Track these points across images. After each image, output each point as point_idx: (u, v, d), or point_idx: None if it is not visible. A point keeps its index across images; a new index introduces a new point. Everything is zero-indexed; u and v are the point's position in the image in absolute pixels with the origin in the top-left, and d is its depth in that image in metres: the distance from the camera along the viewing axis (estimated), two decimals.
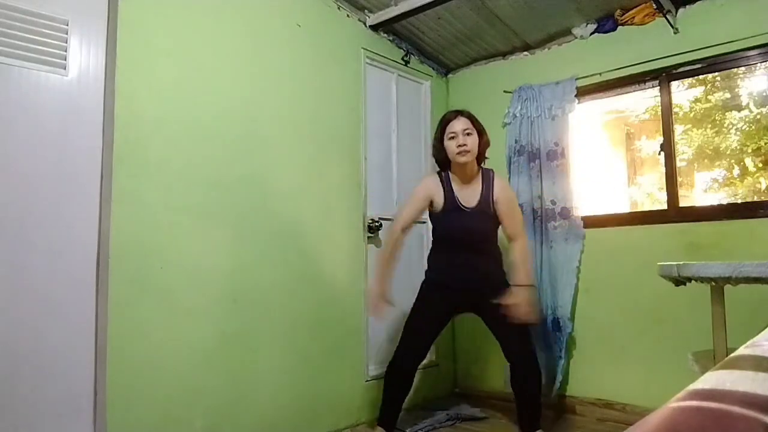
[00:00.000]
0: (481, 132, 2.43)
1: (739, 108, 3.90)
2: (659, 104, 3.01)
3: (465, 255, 2.43)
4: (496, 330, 2.44)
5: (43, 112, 1.88)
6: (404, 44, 3.37)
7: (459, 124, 2.39)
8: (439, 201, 2.44)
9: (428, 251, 2.64)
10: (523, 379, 2.40)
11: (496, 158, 3.35)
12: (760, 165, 3.90)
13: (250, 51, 2.51)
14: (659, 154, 2.97)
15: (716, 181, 4.11)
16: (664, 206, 2.95)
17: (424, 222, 2.91)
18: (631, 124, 4.23)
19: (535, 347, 2.97)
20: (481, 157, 2.47)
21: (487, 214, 2.43)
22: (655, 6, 2.77)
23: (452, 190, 2.44)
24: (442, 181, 2.46)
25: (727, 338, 1.82)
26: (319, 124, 2.81)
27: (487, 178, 2.47)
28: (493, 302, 2.35)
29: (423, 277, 2.59)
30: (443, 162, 2.48)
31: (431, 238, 2.62)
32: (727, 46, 2.68)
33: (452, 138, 2.38)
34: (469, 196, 2.43)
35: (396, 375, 2.48)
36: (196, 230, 2.22)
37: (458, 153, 2.36)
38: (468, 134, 2.38)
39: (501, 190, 2.45)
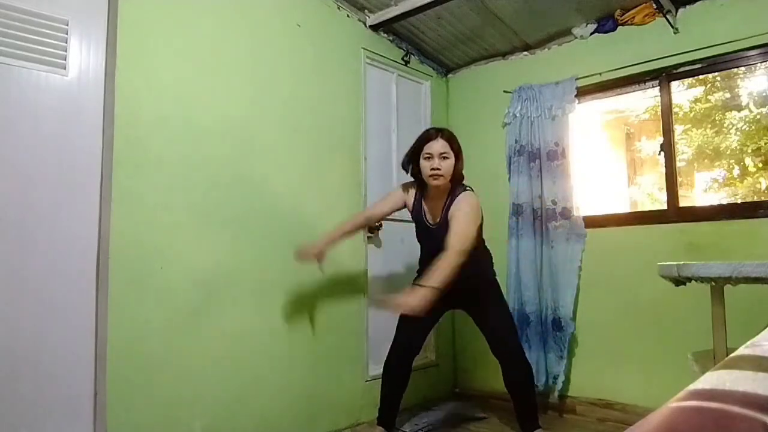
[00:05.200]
0: (458, 155, 2.34)
1: (739, 108, 3.90)
2: (659, 104, 3.01)
3: (434, 256, 2.35)
4: (483, 327, 2.48)
5: (43, 112, 1.88)
6: (404, 44, 3.37)
7: (437, 146, 2.30)
8: (410, 208, 2.49)
9: None
10: (514, 375, 2.43)
11: (496, 158, 3.36)
12: (760, 165, 3.90)
13: (250, 51, 2.51)
14: (659, 154, 2.96)
15: (716, 181, 4.10)
16: (664, 206, 2.95)
17: None
18: (631, 124, 4.22)
19: (527, 344, 3.02)
20: (455, 179, 2.36)
21: (445, 229, 2.34)
22: (655, 6, 2.77)
23: (421, 203, 2.42)
24: (416, 191, 2.45)
25: (727, 338, 1.82)
26: (319, 124, 2.80)
27: (453, 194, 2.36)
28: (479, 298, 2.40)
29: None
30: (417, 178, 2.42)
31: None
32: (727, 46, 2.68)
33: (428, 158, 2.31)
34: (435, 210, 2.40)
35: (392, 373, 2.50)
36: (196, 230, 2.22)
37: (431, 176, 2.30)
38: (445, 158, 2.29)
39: (456, 205, 2.31)
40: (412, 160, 2.40)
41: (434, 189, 2.38)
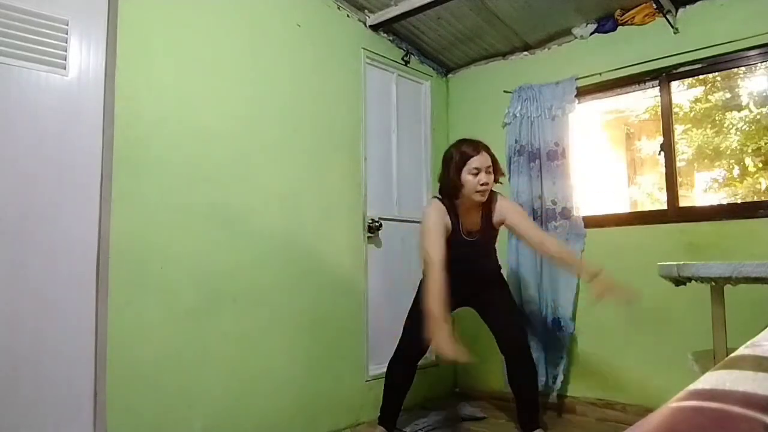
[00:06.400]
0: (497, 168, 2.37)
1: (739, 108, 3.90)
2: (659, 104, 3.01)
3: (466, 269, 2.42)
4: (491, 323, 2.49)
5: (43, 112, 1.88)
6: (404, 44, 3.37)
7: (483, 160, 2.29)
8: (449, 228, 2.39)
9: None
10: (519, 374, 2.43)
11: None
12: (760, 165, 3.90)
13: (250, 51, 2.50)
14: (659, 154, 2.96)
15: (716, 181, 4.11)
16: (664, 206, 2.95)
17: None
18: (631, 124, 4.23)
19: (530, 344, 3.03)
20: None
21: (487, 237, 2.43)
22: (655, 6, 2.77)
23: (458, 221, 2.39)
24: (448, 209, 2.38)
25: (727, 338, 1.82)
26: (319, 124, 2.80)
27: (488, 203, 2.41)
28: (491, 296, 2.41)
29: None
30: (452, 192, 2.36)
31: None
32: (727, 46, 2.68)
33: (475, 174, 2.28)
34: (471, 224, 2.41)
35: (396, 373, 2.50)
36: (196, 230, 2.22)
37: (479, 191, 2.29)
38: (489, 172, 2.31)
39: (505, 210, 2.40)
40: (456, 179, 2.31)
41: (471, 203, 2.35)
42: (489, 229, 2.44)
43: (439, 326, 2.02)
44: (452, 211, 2.39)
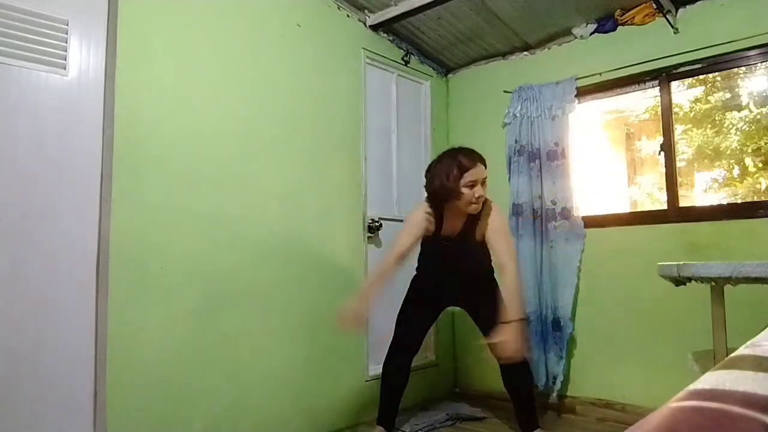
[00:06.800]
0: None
1: (739, 108, 3.90)
2: (659, 104, 3.01)
3: (451, 267, 2.45)
4: (481, 326, 2.49)
5: (43, 112, 1.88)
6: (404, 44, 3.37)
7: (478, 173, 2.27)
8: (431, 229, 2.40)
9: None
10: (514, 377, 2.44)
11: (496, 158, 3.35)
12: (760, 165, 3.89)
13: (250, 51, 2.51)
14: (659, 154, 2.96)
15: (716, 181, 4.10)
16: (664, 206, 2.95)
17: None
18: (631, 124, 4.22)
19: (530, 345, 3.04)
20: None
21: (466, 240, 2.40)
22: (655, 6, 2.77)
23: (441, 223, 2.39)
24: (435, 214, 2.38)
25: (727, 338, 1.82)
26: (319, 124, 2.81)
27: (480, 212, 2.37)
28: (481, 302, 2.43)
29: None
30: (445, 200, 2.33)
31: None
32: (727, 46, 2.68)
33: (471, 186, 2.26)
34: (453, 227, 2.40)
35: (391, 373, 2.51)
36: (196, 230, 2.23)
37: (474, 204, 2.28)
38: (484, 184, 2.30)
39: (490, 222, 2.37)
40: (453, 189, 2.26)
41: (459, 211, 2.34)
42: (470, 234, 2.40)
43: (359, 298, 2.24)
44: (438, 216, 2.38)
